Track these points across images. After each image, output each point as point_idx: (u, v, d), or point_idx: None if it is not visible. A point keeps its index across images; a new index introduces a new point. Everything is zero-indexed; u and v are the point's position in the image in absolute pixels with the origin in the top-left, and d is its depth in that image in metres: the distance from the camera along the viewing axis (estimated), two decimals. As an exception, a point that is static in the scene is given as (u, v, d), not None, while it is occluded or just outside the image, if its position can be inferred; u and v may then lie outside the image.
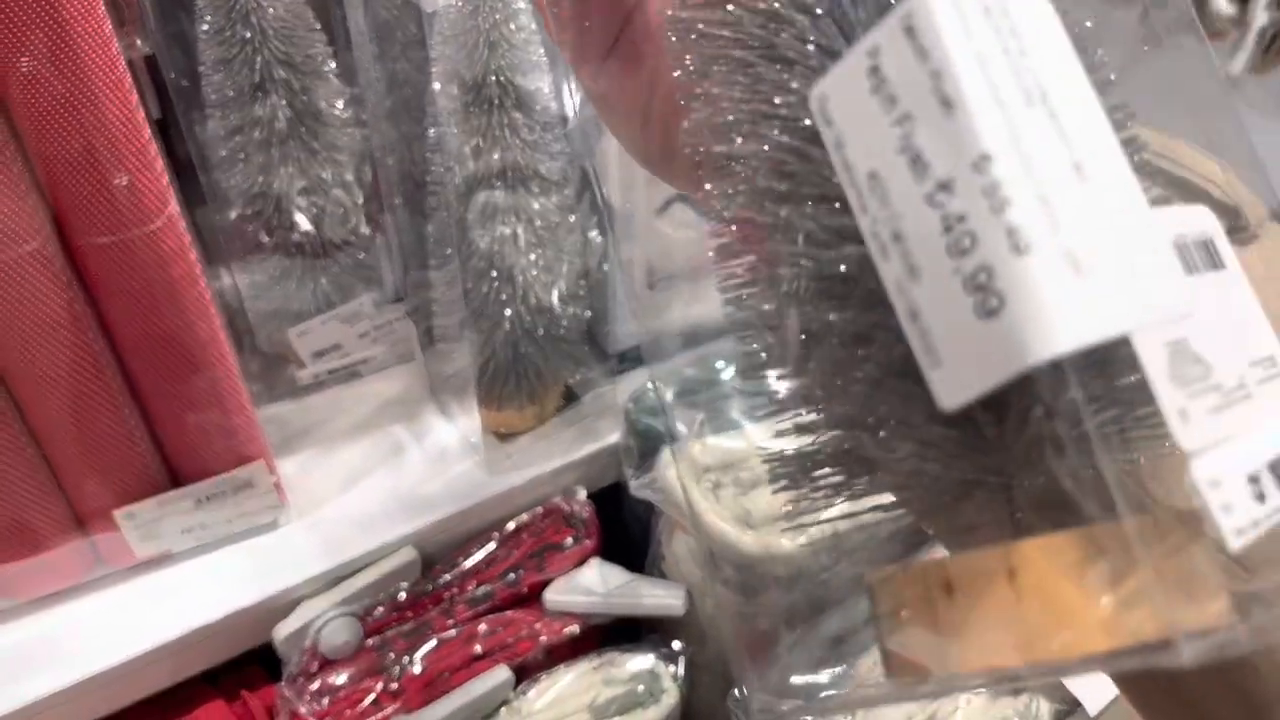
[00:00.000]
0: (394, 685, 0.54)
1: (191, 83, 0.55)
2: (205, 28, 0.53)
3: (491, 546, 0.59)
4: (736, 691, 0.53)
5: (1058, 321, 0.16)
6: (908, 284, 0.18)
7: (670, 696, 0.55)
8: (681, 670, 0.56)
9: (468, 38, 0.51)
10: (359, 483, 0.61)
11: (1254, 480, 0.18)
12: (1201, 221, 0.20)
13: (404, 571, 0.57)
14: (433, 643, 0.55)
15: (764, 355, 0.23)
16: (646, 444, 0.60)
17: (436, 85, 0.53)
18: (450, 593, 0.57)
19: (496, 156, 0.53)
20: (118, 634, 0.52)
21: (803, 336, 0.21)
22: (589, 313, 0.60)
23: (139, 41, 0.53)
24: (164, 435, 0.53)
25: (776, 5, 0.21)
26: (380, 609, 0.56)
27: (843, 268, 0.20)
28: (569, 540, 0.60)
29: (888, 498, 0.23)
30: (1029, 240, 0.16)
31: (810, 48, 0.21)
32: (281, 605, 0.55)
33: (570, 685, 0.55)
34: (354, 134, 0.60)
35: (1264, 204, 0.28)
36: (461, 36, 0.52)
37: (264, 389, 0.66)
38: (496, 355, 0.58)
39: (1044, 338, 0.16)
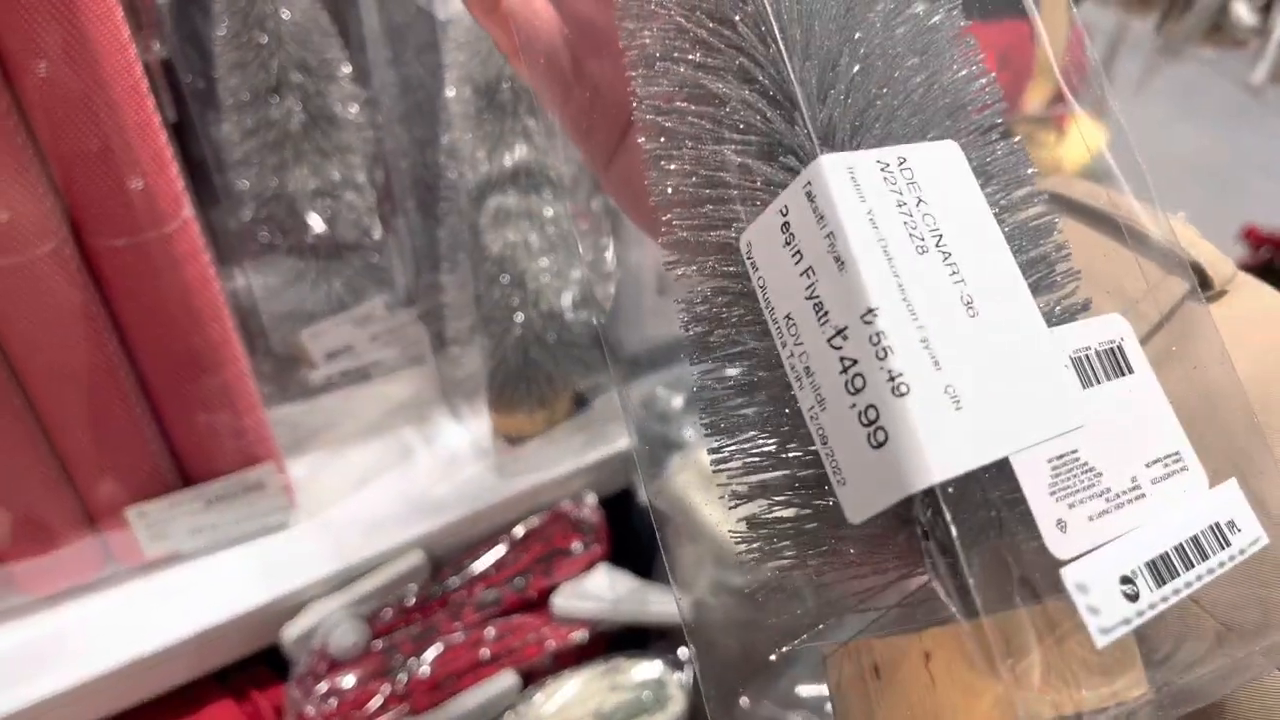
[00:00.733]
0: (401, 688, 0.54)
1: (207, 85, 0.55)
2: (222, 31, 0.53)
3: (500, 551, 0.59)
4: (743, 701, 0.53)
5: (932, 455, 0.18)
6: (818, 412, 0.20)
7: (676, 704, 0.55)
8: (688, 678, 0.56)
9: (481, 43, 0.51)
10: (368, 485, 0.61)
11: (1127, 580, 0.19)
12: (1110, 330, 0.22)
13: (412, 574, 0.57)
14: (440, 646, 0.55)
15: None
16: (656, 450, 0.60)
17: (450, 90, 0.54)
18: (458, 596, 0.57)
19: (509, 161, 0.53)
20: (127, 633, 0.52)
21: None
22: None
23: (155, 45, 0.53)
24: (175, 435, 0.54)
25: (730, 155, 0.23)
26: (388, 611, 0.56)
27: (766, 393, 0.22)
28: (577, 545, 0.60)
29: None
30: (907, 384, 0.19)
31: (758, 182, 0.22)
32: (290, 606, 0.55)
33: (577, 691, 0.55)
34: (367, 137, 0.60)
35: (1230, 262, 0.28)
36: (475, 42, 0.52)
37: (275, 390, 0.66)
38: (507, 359, 0.58)
39: (920, 470, 0.18)
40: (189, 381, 0.51)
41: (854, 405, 0.20)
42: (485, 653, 0.56)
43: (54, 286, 0.45)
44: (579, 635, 0.58)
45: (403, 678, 0.54)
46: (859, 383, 0.19)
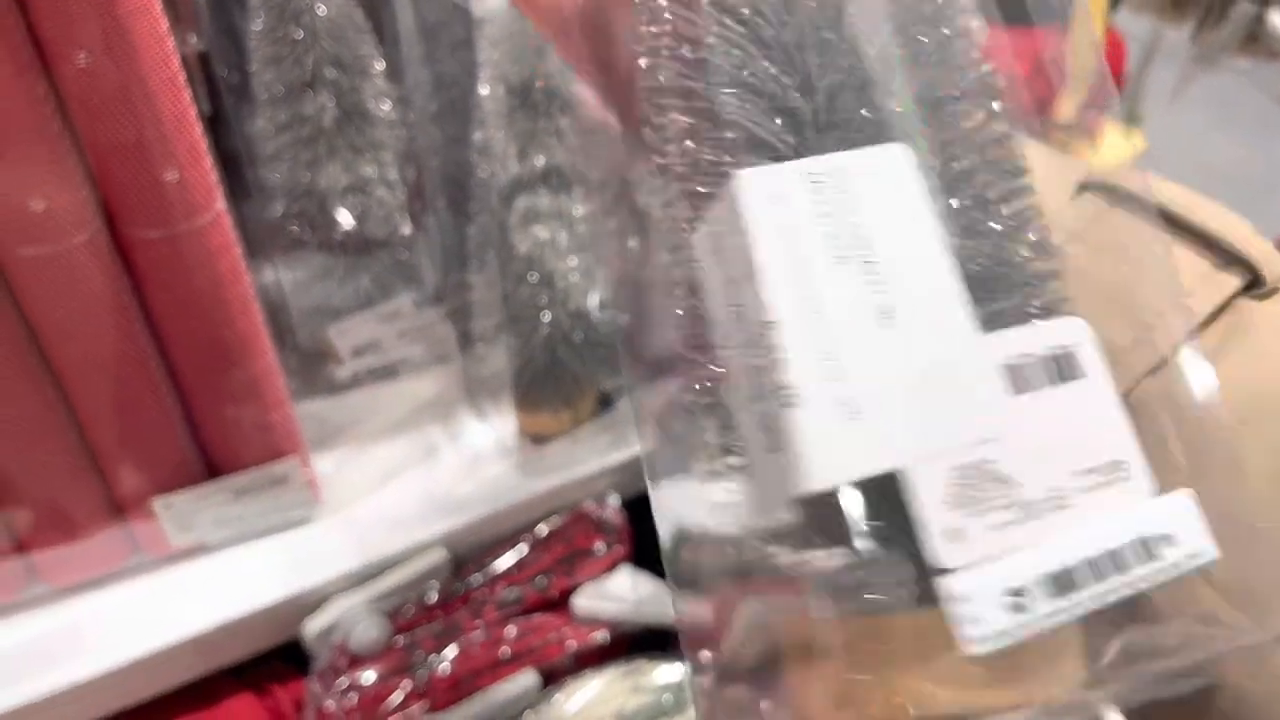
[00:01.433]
0: (421, 684, 0.54)
1: (242, 79, 0.55)
2: (258, 26, 0.53)
3: (523, 550, 0.59)
4: (762, 704, 0.52)
5: (816, 466, 0.19)
6: (742, 410, 0.21)
7: (697, 708, 0.55)
8: (709, 682, 0.56)
9: (516, 42, 0.52)
10: (393, 481, 0.61)
11: (1017, 593, 0.19)
12: (1064, 334, 0.22)
13: (434, 571, 0.57)
14: (461, 644, 0.55)
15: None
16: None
17: (484, 89, 0.54)
18: (480, 594, 0.57)
19: (540, 161, 0.53)
20: (149, 624, 0.52)
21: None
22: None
23: (192, 38, 0.53)
24: (202, 427, 0.54)
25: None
26: (410, 608, 0.56)
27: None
28: (600, 546, 0.60)
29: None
30: (799, 396, 0.20)
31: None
32: (312, 601, 0.55)
33: (599, 692, 0.55)
34: (399, 134, 0.60)
35: None
36: (510, 41, 0.52)
37: (302, 385, 0.67)
38: (534, 359, 0.58)
39: (804, 478, 0.19)
40: (218, 374, 0.52)
41: (757, 410, 0.21)
42: (506, 651, 0.55)
43: (88, 276, 0.45)
44: (600, 636, 0.58)
45: (423, 674, 0.54)
46: (759, 390, 0.20)
